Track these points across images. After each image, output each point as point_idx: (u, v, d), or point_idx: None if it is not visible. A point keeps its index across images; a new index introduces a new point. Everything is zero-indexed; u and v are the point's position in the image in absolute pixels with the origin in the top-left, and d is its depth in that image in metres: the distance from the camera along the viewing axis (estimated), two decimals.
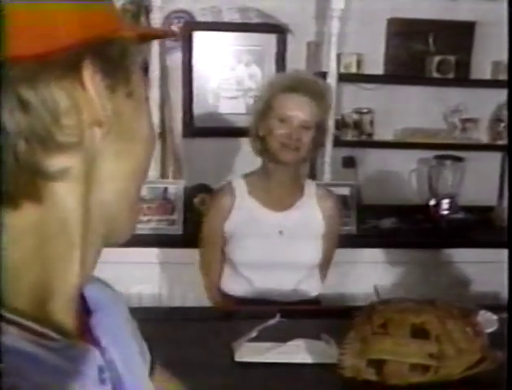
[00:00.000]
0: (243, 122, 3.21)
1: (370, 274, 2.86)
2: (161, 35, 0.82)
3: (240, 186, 2.10)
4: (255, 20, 3.14)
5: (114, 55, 0.49)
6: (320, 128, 2.03)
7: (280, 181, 2.07)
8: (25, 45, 0.42)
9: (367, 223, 3.11)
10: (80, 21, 0.46)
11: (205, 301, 2.44)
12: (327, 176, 3.07)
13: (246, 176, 2.16)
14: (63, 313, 0.51)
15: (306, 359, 1.49)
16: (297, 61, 3.20)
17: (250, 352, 1.51)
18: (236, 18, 3.14)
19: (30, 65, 0.42)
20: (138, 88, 0.54)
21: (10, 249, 0.46)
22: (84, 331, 0.55)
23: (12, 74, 0.42)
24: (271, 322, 1.68)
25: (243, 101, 3.24)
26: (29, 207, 0.46)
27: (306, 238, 2.07)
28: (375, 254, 2.95)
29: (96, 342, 0.56)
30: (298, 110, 1.96)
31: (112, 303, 0.66)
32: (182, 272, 2.81)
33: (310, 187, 2.15)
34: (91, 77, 0.46)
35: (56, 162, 0.46)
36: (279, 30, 3.16)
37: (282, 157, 1.99)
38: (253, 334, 1.60)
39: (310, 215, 2.10)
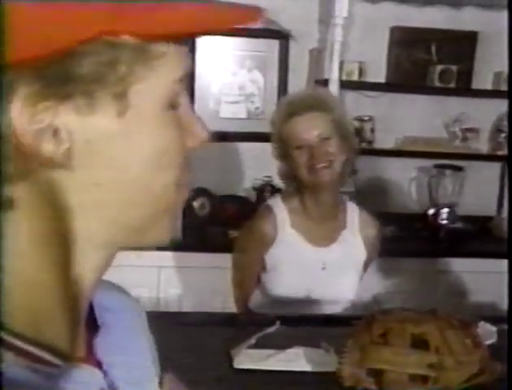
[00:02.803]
0: (244, 127, 3.23)
1: (368, 282, 2.85)
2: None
3: (281, 215, 1.95)
4: (258, 26, 3.14)
5: (89, 69, 0.40)
6: (344, 135, 1.90)
7: (321, 212, 1.96)
8: None
9: None
10: (19, 34, 0.37)
11: (203, 306, 2.44)
12: None
13: (285, 200, 1.99)
14: (64, 333, 0.47)
15: (305, 367, 1.49)
16: (299, 67, 3.20)
17: (249, 359, 1.50)
18: None
19: None
20: (142, 100, 0.44)
21: None
22: (88, 351, 0.52)
23: None
24: (271, 329, 1.68)
25: (244, 106, 3.24)
26: None
27: (349, 272, 1.99)
28: (374, 262, 2.94)
29: (99, 363, 0.53)
30: (308, 126, 1.86)
31: (125, 312, 0.62)
32: (180, 276, 2.81)
33: (353, 212, 2.03)
34: (25, 108, 0.40)
35: (5, 190, 0.42)
36: (281, 36, 3.17)
37: (317, 180, 1.86)
38: (253, 341, 1.59)
39: (354, 247, 2.00)
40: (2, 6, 0.36)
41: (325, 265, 1.95)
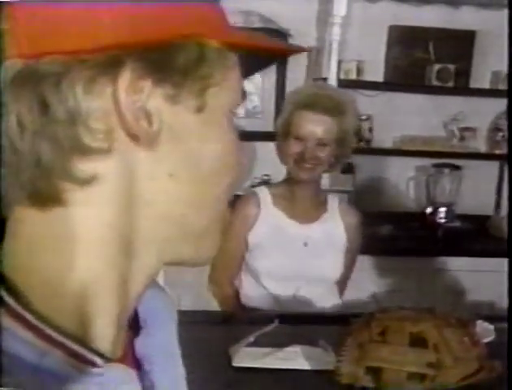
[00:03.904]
0: (242, 126, 3.23)
1: (366, 280, 2.86)
2: (275, 49, 0.55)
3: (264, 196, 2.06)
4: (257, 25, 3.14)
5: (181, 63, 0.44)
6: (341, 143, 1.96)
7: (303, 196, 2.04)
8: (61, 42, 0.40)
9: (364, 229, 3.11)
10: (131, 21, 0.42)
11: (201, 304, 2.43)
12: (325, 182, 3.07)
13: (270, 187, 2.14)
14: (108, 333, 0.48)
15: (304, 365, 1.49)
16: (297, 66, 3.20)
17: (248, 357, 1.50)
18: (238, 22, 3.14)
19: (58, 63, 0.40)
20: (215, 103, 0.48)
21: (43, 257, 0.45)
22: (128, 351, 0.53)
23: (37, 70, 0.40)
24: (269, 327, 1.68)
25: (242, 105, 3.24)
26: (60, 211, 0.44)
27: (330, 251, 2.05)
28: (372, 261, 2.95)
29: (138, 364, 0.53)
30: (314, 128, 1.92)
31: (165, 312, 0.62)
32: (178, 275, 2.80)
33: (333, 201, 2.12)
34: (129, 84, 0.42)
35: (85, 166, 0.43)
36: (280, 35, 3.16)
37: (297, 175, 1.97)
38: (251, 339, 1.59)
39: (335, 229, 2.07)
40: (1, 6, 0.40)
41: (307, 241, 2.02)
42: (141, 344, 0.55)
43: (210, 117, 0.48)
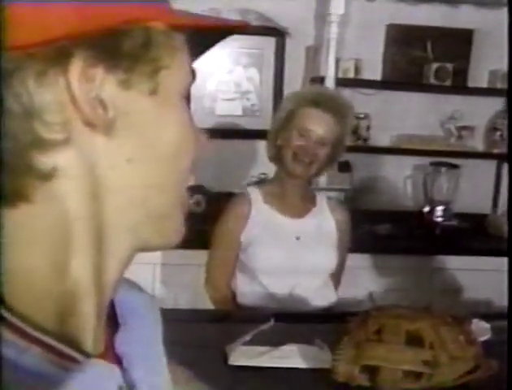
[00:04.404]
0: (240, 124, 3.23)
1: (363, 279, 2.87)
2: (215, 26, 0.56)
3: (255, 195, 2.11)
4: (255, 23, 3.14)
5: (129, 47, 0.45)
6: (337, 145, 2.04)
7: (293, 193, 2.10)
8: (9, 37, 0.40)
9: (361, 228, 3.11)
10: (77, 11, 0.42)
11: (197, 303, 2.44)
12: (322, 180, 3.08)
13: (260, 186, 2.20)
14: (87, 327, 0.48)
15: (300, 364, 1.49)
16: (295, 65, 3.20)
17: (244, 355, 1.50)
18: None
19: (8, 59, 0.40)
20: (168, 85, 0.49)
21: (20, 254, 0.45)
22: (108, 347, 0.53)
23: None
24: (265, 326, 1.68)
25: (240, 103, 3.24)
26: (28, 208, 0.44)
27: (323, 244, 2.10)
28: (369, 259, 2.95)
29: (118, 360, 0.53)
30: (318, 125, 1.98)
31: (145, 311, 0.62)
32: (175, 273, 2.80)
33: (322, 198, 2.19)
34: (81, 73, 0.43)
35: (46, 160, 0.43)
36: (278, 33, 3.16)
37: (294, 169, 2.02)
38: (247, 338, 1.59)
39: (325, 223, 2.13)
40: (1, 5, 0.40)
41: (299, 235, 2.07)
42: (120, 341, 0.55)
43: (164, 99, 0.49)
